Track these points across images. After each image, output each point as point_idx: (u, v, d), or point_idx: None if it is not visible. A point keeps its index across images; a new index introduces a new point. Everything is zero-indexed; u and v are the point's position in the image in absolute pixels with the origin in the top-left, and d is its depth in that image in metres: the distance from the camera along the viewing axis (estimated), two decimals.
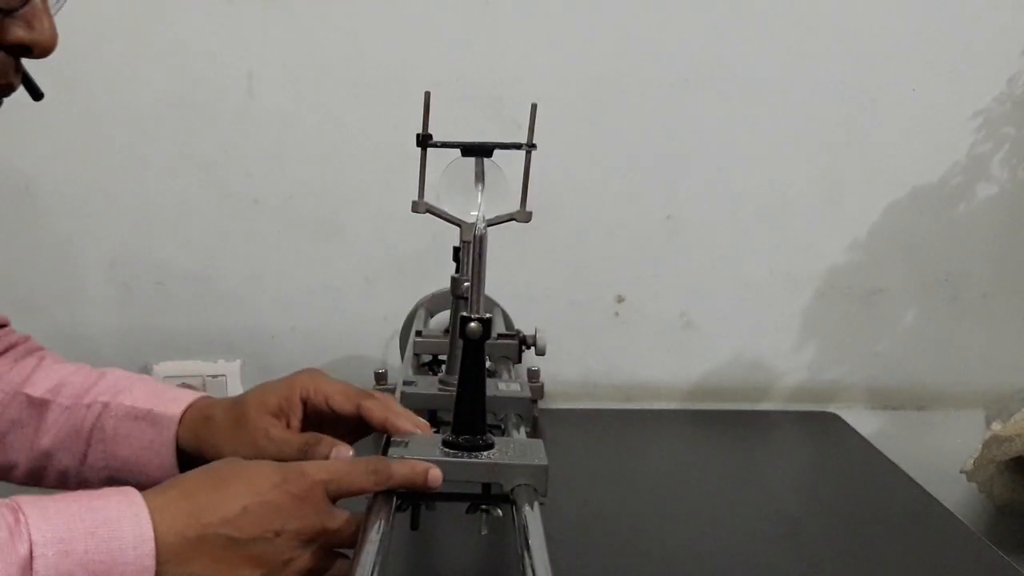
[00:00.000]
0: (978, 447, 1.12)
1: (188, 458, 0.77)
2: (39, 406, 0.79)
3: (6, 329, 0.85)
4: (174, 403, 0.78)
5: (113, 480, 0.78)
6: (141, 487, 0.71)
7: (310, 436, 0.72)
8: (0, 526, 0.53)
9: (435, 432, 0.72)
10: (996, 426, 1.10)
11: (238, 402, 0.76)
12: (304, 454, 0.70)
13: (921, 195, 1.25)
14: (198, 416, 0.77)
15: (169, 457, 0.77)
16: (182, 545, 0.56)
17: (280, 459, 0.69)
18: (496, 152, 0.76)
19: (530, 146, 0.78)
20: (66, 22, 0.63)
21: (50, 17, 0.60)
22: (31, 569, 0.52)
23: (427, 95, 0.74)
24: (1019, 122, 1.22)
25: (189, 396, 0.79)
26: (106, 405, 0.79)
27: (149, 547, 0.55)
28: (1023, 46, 1.20)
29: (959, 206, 1.26)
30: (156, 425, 0.77)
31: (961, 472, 1.15)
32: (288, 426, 0.74)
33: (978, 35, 1.20)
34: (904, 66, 1.21)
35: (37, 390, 0.80)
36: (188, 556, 0.56)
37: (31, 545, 0.52)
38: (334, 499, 0.62)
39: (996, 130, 1.23)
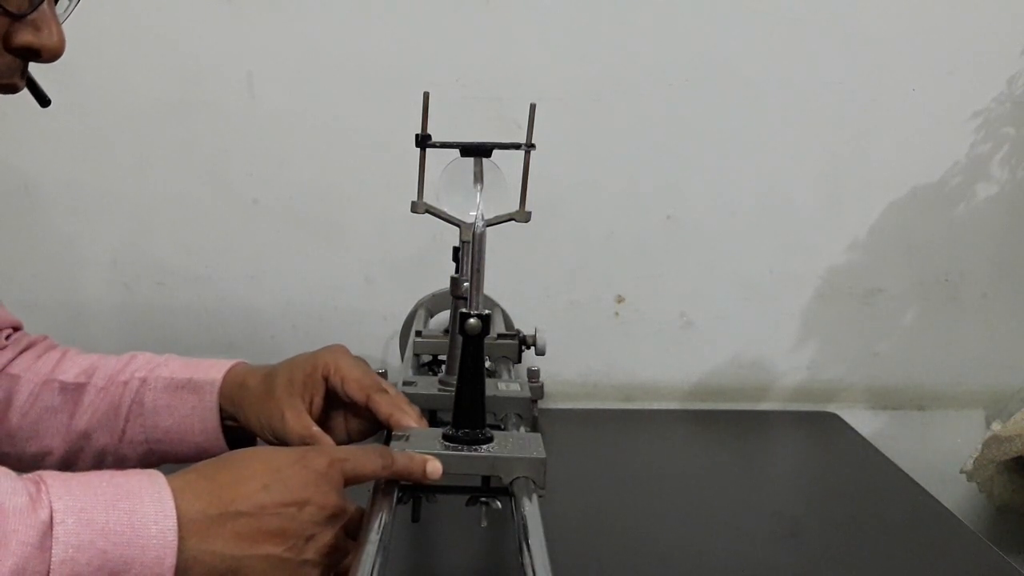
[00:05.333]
0: (978, 447, 1.12)
1: (229, 424, 0.79)
2: (73, 390, 0.81)
3: (21, 332, 0.86)
4: (213, 369, 0.80)
5: (152, 453, 0.80)
6: (182, 457, 0.72)
7: (313, 434, 0.73)
8: (21, 492, 0.53)
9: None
10: (996, 426, 1.10)
11: (271, 374, 0.77)
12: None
13: (921, 195, 1.25)
14: (235, 382, 0.79)
15: (213, 422, 0.78)
16: (204, 522, 0.56)
17: (287, 444, 0.72)
18: (495, 152, 0.76)
19: (529, 146, 0.78)
20: (66, 22, 0.63)
21: (58, 22, 0.61)
22: (51, 535, 0.52)
23: (426, 95, 0.74)
24: (1019, 122, 1.22)
25: (227, 362, 0.81)
26: (143, 380, 0.80)
27: (171, 522, 0.55)
28: (1023, 46, 1.20)
29: (959, 206, 1.26)
30: (197, 392, 0.79)
31: (961, 472, 1.15)
32: (311, 403, 0.76)
33: (978, 35, 1.20)
34: (904, 66, 1.21)
35: (69, 376, 0.82)
36: (211, 533, 0.56)
37: (51, 512, 0.53)
38: (347, 482, 0.63)
39: (996, 130, 1.23)
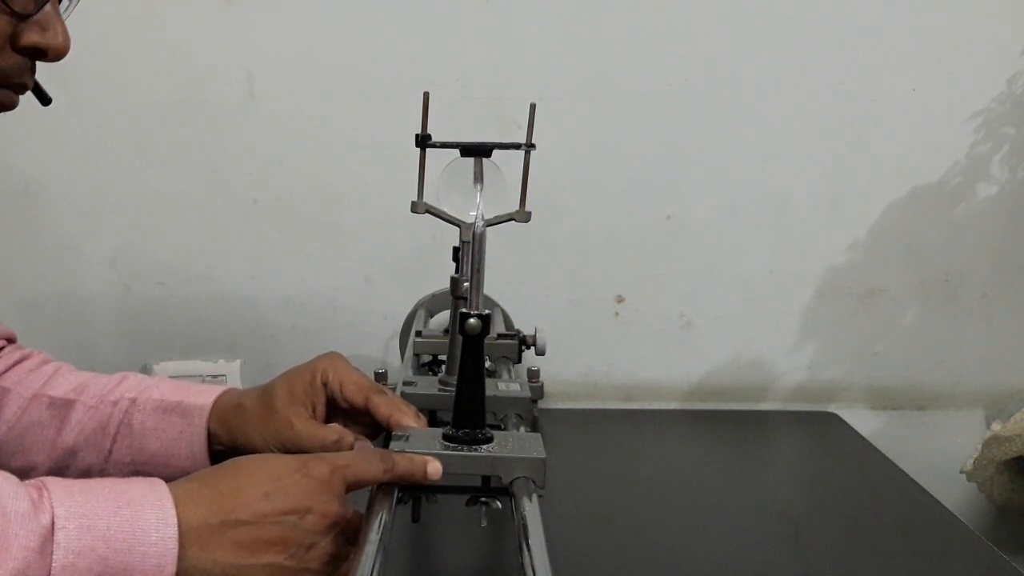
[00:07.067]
0: (978, 447, 1.12)
1: (217, 449, 0.78)
2: (62, 406, 0.80)
3: (15, 344, 0.86)
4: (203, 394, 0.80)
5: (138, 475, 0.79)
6: (168, 480, 0.72)
7: (332, 431, 0.73)
8: (23, 497, 0.53)
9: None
10: (996, 426, 1.10)
11: (267, 390, 0.77)
12: (325, 448, 0.71)
13: (921, 195, 1.25)
14: (228, 405, 0.78)
15: (200, 447, 0.78)
16: (205, 530, 0.57)
17: (303, 451, 0.70)
18: (495, 152, 0.76)
19: (529, 146, 0.78)
20: (67, 22, 0.63)
21: (63, 22, 0.62)
22: (52, 540, 0.52)
23: (426, 95, 0.74)
24: (1019, 122, 1.22)
25: (218, 388, 0.81)
26: (133, 401, 0.80)
27: (172, 531, 0.55)
28: (1023, 46, 1.20)
29: (959, 206, 1.26)
30: (186, 416, 0.78)
31: (961, 472, 1.15)
32: (314, 412, 0.76)
33: (978, 35, 1.20)
34: (904, 66, 1.21)
35: (59, 391, 0.81)
36: (212, 542, 0.57)
37: (53, 517, 0.53)
38: (348, 489, 0.63)
39: (996, 130, 1.23)
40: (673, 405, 1.31)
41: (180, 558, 0.55)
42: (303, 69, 1.18)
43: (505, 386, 0.83)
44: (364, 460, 0.64)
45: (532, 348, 1.04)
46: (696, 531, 0.95)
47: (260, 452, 0.75)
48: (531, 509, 0.62)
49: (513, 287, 1.21)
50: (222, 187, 1.20)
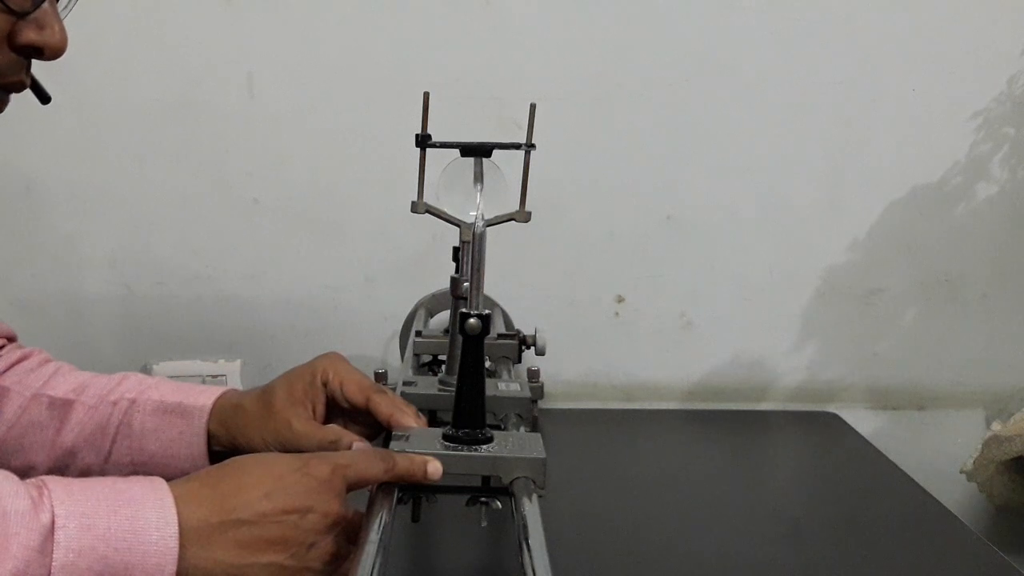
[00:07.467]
0: (978, 447, 1.12)
1: (217, 450, 0.78)
2: (62, 406, 0.80)
3: (15, 344, 0.86)
4: (203, 395, 0.80)
5: (137, 475, 0.79)
6: (168, 481, 0.72)
7: (331, 432, 0.73)
8: (23, 495, 0.53)
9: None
10: (996, 426, 1.10)
11: (267, 391, 0.77)
12: (323, 449, 0.71)
13: (921, 195, 1.25)
14: (228, 406, 0.78)
15: (199, 447, 0.78)
16: (206, 530, 0.57)
17: (301, 451, 0.70)
18: (495, 152, 0.75)
19: (529, 146, 0.78)
20: (67, 21, 0.63)
21: (60, 21, 0.62)
22: (52, 539, 0.52)
23: (426, 95, 0.74)
24: (1019, 122, 1.22)
25: (218, 389, 0.81)
26: (133, 401, 0.80)
27: (172, 530, 0.55)
28: (1023, 46, 1.20)
29: (959, 206, 1.26)
30: (186, 416, 0.78)
31: (961, 472, 1.15)
32: (314, 412, 0.76)
33: (978, 35, 1.20)
34: (904, 66, 1.21)
35: (59, 391, 0.81)
36: (212, 541, 0.57)
37: (53, 516, 0.53)
38: (349, 488, 0.63)
39: (996, 130, 1.23)
40: (673, 405, 1.31)
41: (181, 557, 0.55)
42: (303, 69, 1.18)
43: (505, 386, 0.83)
44: (365, 460, 0.64)
45: (532, 348, 1.04)
46: (696, 531, 0.95)
47: (260, 452, 0.75)
48: (531, 509, 0.63)
49: (513, 287, 1.21)
50: (222, 187, 1.20)
